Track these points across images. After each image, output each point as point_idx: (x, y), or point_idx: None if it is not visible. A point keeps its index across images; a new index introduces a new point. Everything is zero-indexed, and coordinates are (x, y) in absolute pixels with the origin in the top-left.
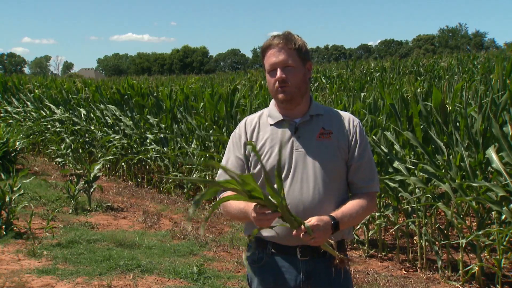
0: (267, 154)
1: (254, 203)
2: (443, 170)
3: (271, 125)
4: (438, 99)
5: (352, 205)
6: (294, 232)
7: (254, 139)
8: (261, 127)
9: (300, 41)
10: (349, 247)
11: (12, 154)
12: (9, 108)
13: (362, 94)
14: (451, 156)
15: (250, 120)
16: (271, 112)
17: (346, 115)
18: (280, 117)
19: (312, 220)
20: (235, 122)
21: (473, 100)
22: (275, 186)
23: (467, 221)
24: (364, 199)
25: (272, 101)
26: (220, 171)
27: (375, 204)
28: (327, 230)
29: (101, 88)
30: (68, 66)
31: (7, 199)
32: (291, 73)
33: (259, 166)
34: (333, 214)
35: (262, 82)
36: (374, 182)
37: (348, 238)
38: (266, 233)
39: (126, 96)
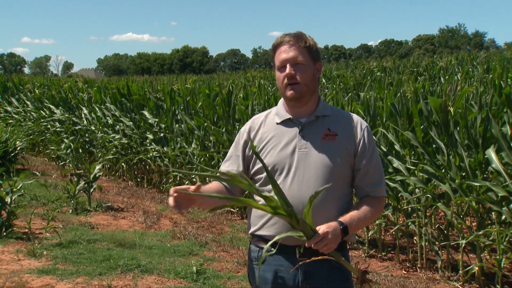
0: (269, 152)
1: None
2: (443, 170)
3: (277, 123)
4: (437, 103)
5: (359, 209)
6: (307, 243)
7: (258, 137)
8: (266, 125)
9: (311, 40)
10: (349, 247)
11: (12, 154)
12: (9, 108)
13: (361, 94)
14: (450, 156)
15: (257, 118)
16: (279, 110)
17: (354, 118)
18: (286, 116)
19: (321, 228)
20: (234, 122)
21: (473, 101)
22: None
23: (467, 221)
24: (371, 203)
25: (281, 100)
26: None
27: (382, 208)
28: (337, 236)
29: (102, 88)
30: (68, 66)
31: (7, 199)
32: (300, 70)
33: (259, 164)
34: (341, 219)
35: (261, 81)
36: (381, 186)
37: (350, 239)
38: (266, 232)
39: (124, 98)
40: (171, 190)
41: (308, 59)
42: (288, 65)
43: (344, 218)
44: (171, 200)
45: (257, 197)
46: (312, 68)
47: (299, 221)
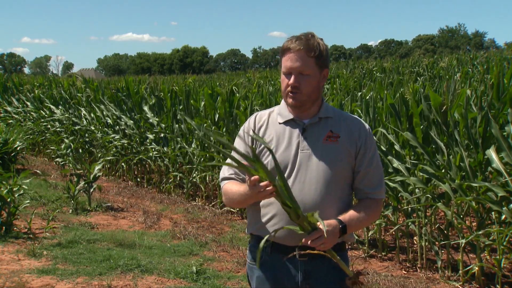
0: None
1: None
2: (443, 170)
3: (280, 123)
4: (437, 101)
5: (359, 209)
6: (304, 239)
7: (261, 135)
8: (270, 124)
9: (322, 46)
10: (349, 247)
11: (12, 154)
12: (9, 108)
13: (359, 94)
14: (451, 156)
15: (260, 116)
16: (281, 110)
17: (356, 121)
18: (289, 117)
19: (321, 225)
20: (235, 122)
21: (472, 101)
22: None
23: (467, 221)
24: (370, 205)
25: (283, 100)
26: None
27: (380, 210)
28: (335, 234)
29: (102, 87)
30: (68, 66)
31: (8, 199)
32: (304, 81)
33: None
34: (340, 217)
35: (261, 81)
36: (381, 189)
37: (349, 240)
38: (266, 232)
39: (124, 96)
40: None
41: (314, 69)
42: (293, 76)
43: (344, 217)
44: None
45: (260, 203)
46: (317, 78)
47: (299, 215)
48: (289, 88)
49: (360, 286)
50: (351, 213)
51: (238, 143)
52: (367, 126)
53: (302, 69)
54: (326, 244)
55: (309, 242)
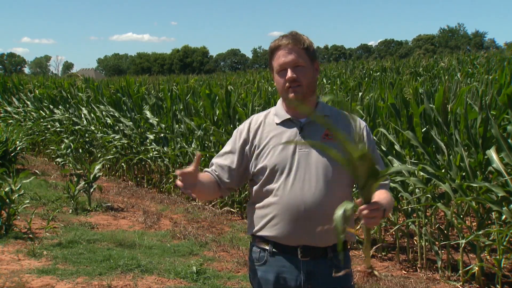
0: (270, 153)
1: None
2: (443, 170)
3: (277, 124)
4: (440, 100)
5: (383, 194)
6: (363, 206)
7: (258, 137)
8: (266, 125)
9: (308, 40)
10: (349, 247)
11: (12, 154)
12: (9, 108)
13: (360, 94)
14: (451, 156)
15: (256, 118)
16: (278, 111)
17: (353, 118)
18: (286, 116)
19: (378, 201)
20: (233, 122)
21: (473, 101)
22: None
23: (467, 221)
24: (385, 192)
25: (279, 100)
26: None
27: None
28: (380, 214)
29: (101, 88)
30: (68, 66)
31: (8, 199)
32: (301, 72)
33: (260, 165)
34: (375, 200)
35: (262, 81)
36: (386, 182)
37: (351, 239)
38: (267, 232)
39: (124, 97)
40: (177, 172)
41: (307, 60)
42: (289, 69)
43: (379, 199)
44: (178, 182)
45: (260, 204)
46: (311, 69)
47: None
48: (287, 84)
49: (375, 278)
50: (380, 196)
51: (230, 140)
52: (364, 123)
53: (296, 61)
54: (376, 220)
55: (365, 211)
